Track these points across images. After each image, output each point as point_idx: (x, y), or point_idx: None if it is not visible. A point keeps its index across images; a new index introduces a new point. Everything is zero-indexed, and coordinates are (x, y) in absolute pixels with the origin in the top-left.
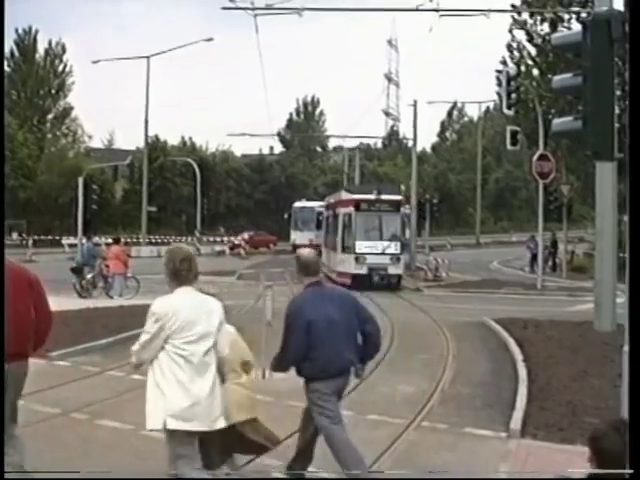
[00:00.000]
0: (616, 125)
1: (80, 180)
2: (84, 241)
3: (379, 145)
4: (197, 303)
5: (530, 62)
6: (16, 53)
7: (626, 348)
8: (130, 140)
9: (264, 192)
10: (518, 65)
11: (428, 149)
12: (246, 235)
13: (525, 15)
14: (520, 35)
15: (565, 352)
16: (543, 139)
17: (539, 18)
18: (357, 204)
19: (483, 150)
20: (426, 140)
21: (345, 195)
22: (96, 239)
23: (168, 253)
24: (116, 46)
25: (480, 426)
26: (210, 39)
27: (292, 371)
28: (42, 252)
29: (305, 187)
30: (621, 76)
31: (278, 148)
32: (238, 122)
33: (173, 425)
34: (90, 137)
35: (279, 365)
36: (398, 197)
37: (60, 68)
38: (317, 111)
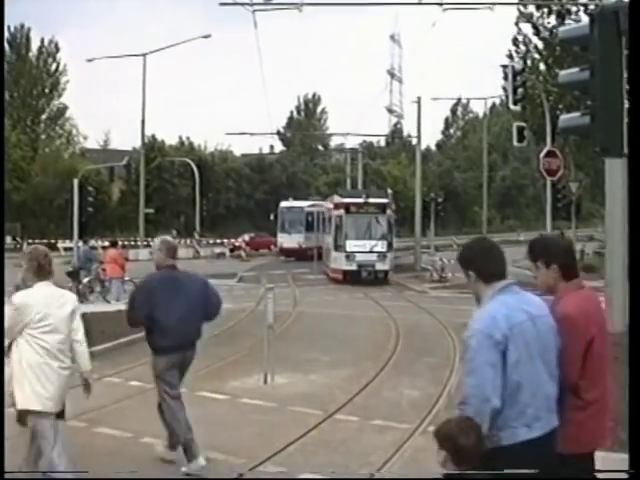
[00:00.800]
0: (625, 120)
1: (75, 182)
2: (80, 244)
3: (382, 143)
4: (53, 296)
5: (537, 56)
6: (8, 51)
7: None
8: (126, 140)
9: (264, 192)
10: (524, 59)
11: (432, 147)
12: (246, 237)
13: (531, 7)
14: (526, 28)
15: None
16: (551, 135)
17: (546, 10)
18: (347, 207)
19: (489, 147)
20: (430, 138)
21: (337, 199)
22: (92, 242)
23: (30, 252)
24: (111, 44)
25: None
26: (208, 36)
27: (295, 376)
28: None
29: (307, 187)
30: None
31: (278, 147)
32: (237, 121)
33: (33, 406)
34: (85, 138)
35: (128, 320)
36: (385, 200)
37: (54, 67)
38: (318, 109)
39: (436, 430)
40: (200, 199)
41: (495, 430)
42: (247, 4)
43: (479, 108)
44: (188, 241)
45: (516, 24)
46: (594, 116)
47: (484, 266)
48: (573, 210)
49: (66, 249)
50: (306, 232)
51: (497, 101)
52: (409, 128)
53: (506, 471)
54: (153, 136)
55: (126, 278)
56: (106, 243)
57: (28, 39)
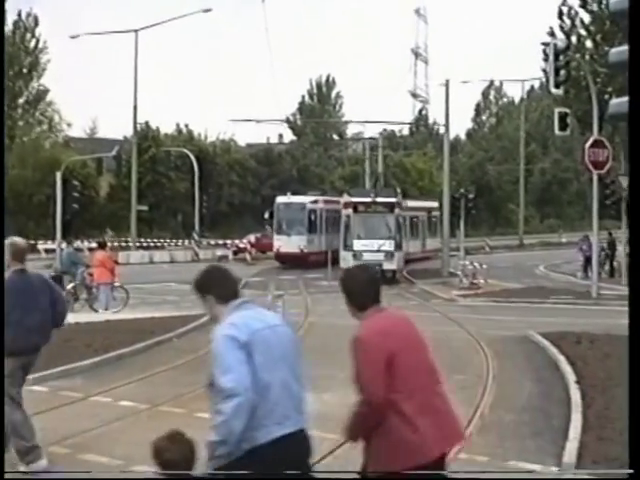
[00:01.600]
0: None
1: (58, 175)
2: (64, 246)
3: (405, 132)
4: None
5: (583, 32)
6: None
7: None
8: (116, 128)
9: (272, 187)
10: (568, 36)
11: (462, 136)
12: (252, 237)
13: None
14: None
15: (626, 372)
16: (598, 123)
17: None
18: (355, 206)
19: (526, 136)
20: (460, 125)
21: (346, 198)
22: (78, 243)
23: None
24: (99, 18)
25: (527, 458)
26: (208, 10)
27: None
28: None
29: (320, 181)
30: None
31: (288, 136)
32: (242, 107)
33: None
34: (69, 125)
35: None
36: (392, 199)
37: (32, 44)
38: (333, 93)
39: (152, 443)
40: (200, 195)
41: (250, 431)
42: None
43: (515, 92)
44: (186, 242)
45: None
46: None
47: (222, 289)
48: (623, 208)
49: (47, 251)
50: (309, 234)
51: (536, 84)
52: (436, 115)
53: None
54: (147, 123)
55: (116, 284)
56: (93, 244)
57: (2, 11)
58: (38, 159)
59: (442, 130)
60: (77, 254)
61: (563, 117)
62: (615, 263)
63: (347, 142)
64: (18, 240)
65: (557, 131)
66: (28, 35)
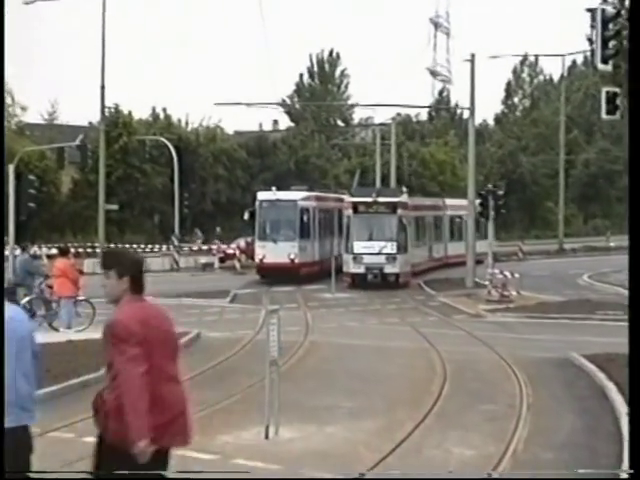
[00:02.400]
0: None
1: (11, 168)
2: (17, 252)
3: (423, 117)
4: None
5: None
6: None
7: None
8: (80, 113)
9: (266, 182)
10: None
11: (490, 121)
12: (242, 242)
13: None
14: None
15: None
16: None
17: None
18: (355, 207)
19: (567, 121)
20: (488, 109)
21: (347, 197)
22: (35, 249)
23: None
24: None
25: None
26: None
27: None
28: None
29: (322, 175)
30: None
31: (284, 122)
32: (229, 87)
33: None
34: (24, 109)
35: None
36: (394, 199)
37: None
38: (337, 71)
39: None
40: (180, 192)
41: None
42: None
43: (554, 68)
44: (164, 248)
45: None
46: None
47: None
48: None
49: None
50: (301, 239)
51: (579, 58)
52: (459, 97)
53: None
54: (116, 107)
55: (80, 297)
56: (53, 251)
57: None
58: None
59: (466, 114)
60: (34, 262)
61: (612, 98)
62: None
63: (354, 129)
64: None
65: (604, 115)
66: None
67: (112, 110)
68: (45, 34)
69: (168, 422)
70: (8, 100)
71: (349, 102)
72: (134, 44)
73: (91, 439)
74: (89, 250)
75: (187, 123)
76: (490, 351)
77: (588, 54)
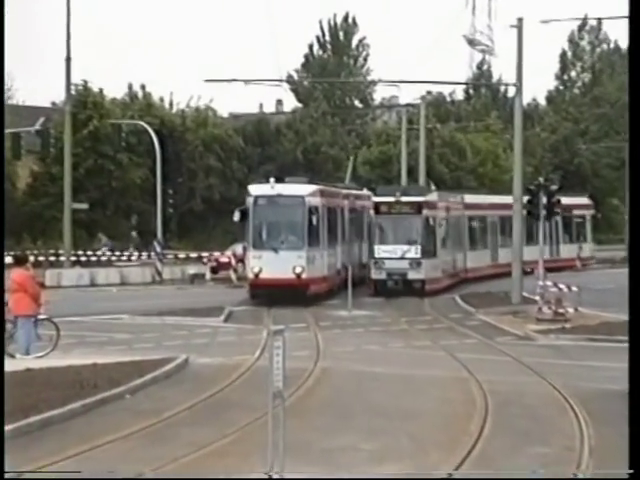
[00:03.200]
0: None
1: None
2: None
3: (459, 95)
4: None
5: None
6: None
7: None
8: (41, 92)
9: (268, 176)
10: None
11: (542, 100)
12: (239, 248)
13: None
14: None
15: None
16: None
17: None
18: (377, 207)
19: None
20: (538, 85)
21: (372, 197)
22: None
23: None
24: None
25: None
26: None
27: (317, 474)
28: None
29: (336, 167)
30: None
31: (290, 103)
32: (223, 60)
33: None
34: None
35: None
36: (419, 198)
37: None
38: (354, 40)
39: None
40: (163, 187)
41: None
42: None
43: (620, 34)
44: (144, 255)
45: None
46: None
47: None
48: None
49: None
50: (309, 247)
51: None
52: (503, 70)
53: None
54: (85, 84)
55: (41, 316)
56: (8, 259)
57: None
58: None
59: (512, 92)
60: None
61: None
62: None
63: (374, 111)
64: None
65: None
66: None
67: (80, 88)
68: None
69: None
70: None
71: (368, 78)
72: (106, 9)
73: None
74: (52, 259)
75: (171, 104)
76: (541, 381)
77: None
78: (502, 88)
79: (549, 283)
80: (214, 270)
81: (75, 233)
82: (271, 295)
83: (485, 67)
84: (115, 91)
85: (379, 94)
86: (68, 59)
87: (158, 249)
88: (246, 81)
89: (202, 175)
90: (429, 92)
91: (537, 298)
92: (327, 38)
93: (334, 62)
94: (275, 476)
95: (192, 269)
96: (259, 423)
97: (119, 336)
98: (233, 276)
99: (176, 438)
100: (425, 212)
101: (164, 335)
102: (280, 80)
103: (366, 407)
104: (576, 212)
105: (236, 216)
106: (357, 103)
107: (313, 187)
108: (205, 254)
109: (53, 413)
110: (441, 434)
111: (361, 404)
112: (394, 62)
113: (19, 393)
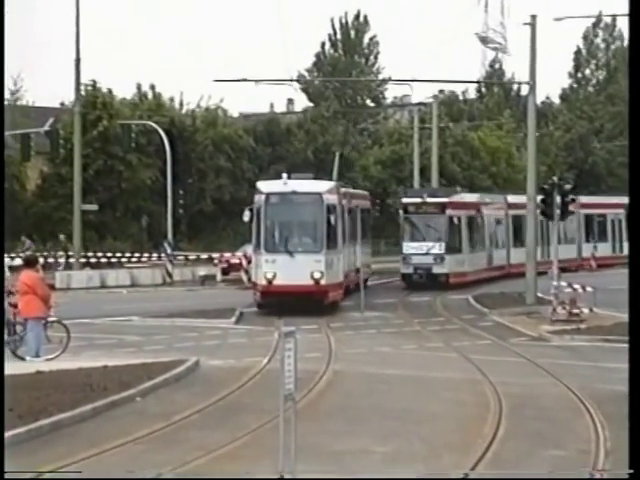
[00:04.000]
0: None
1: None
2: None
3: (471, 94)
4: None
5: None
6: None
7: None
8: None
9: (279, 176)
10: None
11: (555, 99)
12: (250, 250)
13: None
14: None
15: None
16: None
17: None
18: (405, 207)
19: None
20: (552, 84)
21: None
22: None
23: None
24: None
25: None
26: None
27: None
28: None
29: (348, 167)
30: None
31: (301, 102)
32: (233, 60)
33: None
34: None
35: None
36: (444, 199)
37: None
38: (365, 38)
39: None
40: (173, 188)
41: None
42: None
43: None
44: (154, 257)
45: None
46: None
47: None
48: None
49: None
50: (328, 250)
51: None
52: (516, 68)
53: None
54: (94, 85)
55: (51, 318)
56: (18, 261)
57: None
58: None
59: (525, 90)
60: None
61: None
62: None
63: (386, 110)
64: None
65: None
66: None
67: (89, 88)
68: None
69: None
70: None
71: (380, 77)
72: (115, 9)
73: None
74: (61, 260)
75: (181, 104)
76: (556, 383)
77: None
78: (515, 86)
79: (564, 284)
80: (225, 271)
81: (84, 234)
82: (283, 304)
83: (498, 65)
84: (124, 91)
85: (391, 93)
86: (77, 59)
87: (168, 250)
88: (256, 81)
89: (212, 175)
90: (441, 91)
91: (551, 299)
92: (338, 37)
93: (345, 61)
94: (287, 476)
95: (202, 270)
96: (270, 426)
97: (129, 338)
98: (244, 277)
99: (186, 441)
100: (449, 212)
101: (174, 337)
102: (291, 80)
103: (378, 410)
104: (613, 211)
105: (246, 216)
106: (369, 102)
107: (330, 183)
108: (216, 255)
109: (63, 416)
110: (454, 437)
111: (373, 407)
112: (406, 60)
113: (29, 396)
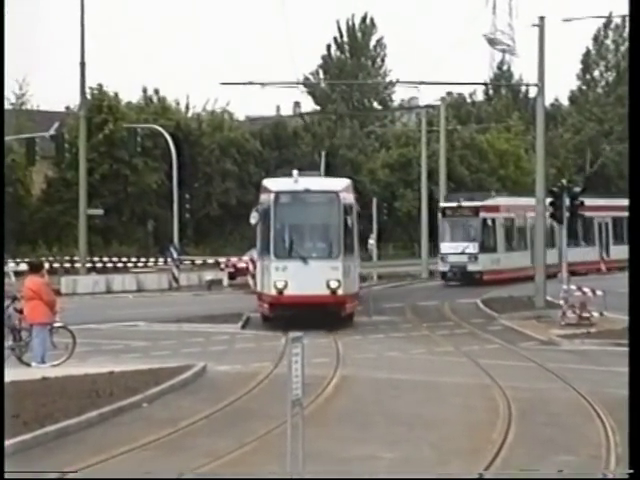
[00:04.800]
0: None
1: None
2: None
3: (479, 96)
4: None
5: None
6: None
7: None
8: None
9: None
10: None
11: (564, 101)
12: (256, 254)
13: None
14: None
15: None
16: None
17: None
18: (443, 211)
19: None
20: (561, 85)
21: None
22: None
23: None
24: None
25: None
26: None
27: None
28: None
29: (355, 170)
30: None
31: (307, 105)
32: (239, 63)
33: None
34: None
35: None
36: (477, 203)
37: None
38: (372, 41)
39: None
40: (179, 192)
41: None
42: None
43: None
44: (160, 262)
45: None
46: None
47: None
48: None
49: None
50: (345, 255)
51: None
52: (524, 70)
53: None
54: (100, 88)
55: (57, 324)
56: (23, 266)
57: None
58: None
59: (534, 92)
60: None
61: None
62: None
63: (393, 113)
64: None
65: None
66: None
67: (95, 92)
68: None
69: None
70: None
71: (387, 79)
72: (121, 13)
73: None
74: (67, 265)
75: (187, 107)
76: (566, 388)
77: None
78: (523, 88)
79: (573, 287)
80: (232, 276)
81: (90, 239)
82: (294, 317)
83: (506, 67)
84: (130, 95)
85: (398, 95)
86: (82, 63)
87: (175, 255)
88: (263, 84)
89: (219, 179)
90: (449, 93)
91: (561, 302)
92: (345, 39)
93: (352, 63)
94: (296, 476)
95: (209, 275)
96: (278, 432)
97: (135, 343)
98: (251, 282)
99: (193, 448)
100: (482, 214)
101: (181, 342)
102: (297, 82)
103: (387, 415)
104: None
105: (253, 217)
106: (376, 105)
107: (345, 181)
108: (222, 260)
109: (69, 422)
110: (463, 442)
111: (382, 412)
112: (413, 63)
113: (35, 402)
